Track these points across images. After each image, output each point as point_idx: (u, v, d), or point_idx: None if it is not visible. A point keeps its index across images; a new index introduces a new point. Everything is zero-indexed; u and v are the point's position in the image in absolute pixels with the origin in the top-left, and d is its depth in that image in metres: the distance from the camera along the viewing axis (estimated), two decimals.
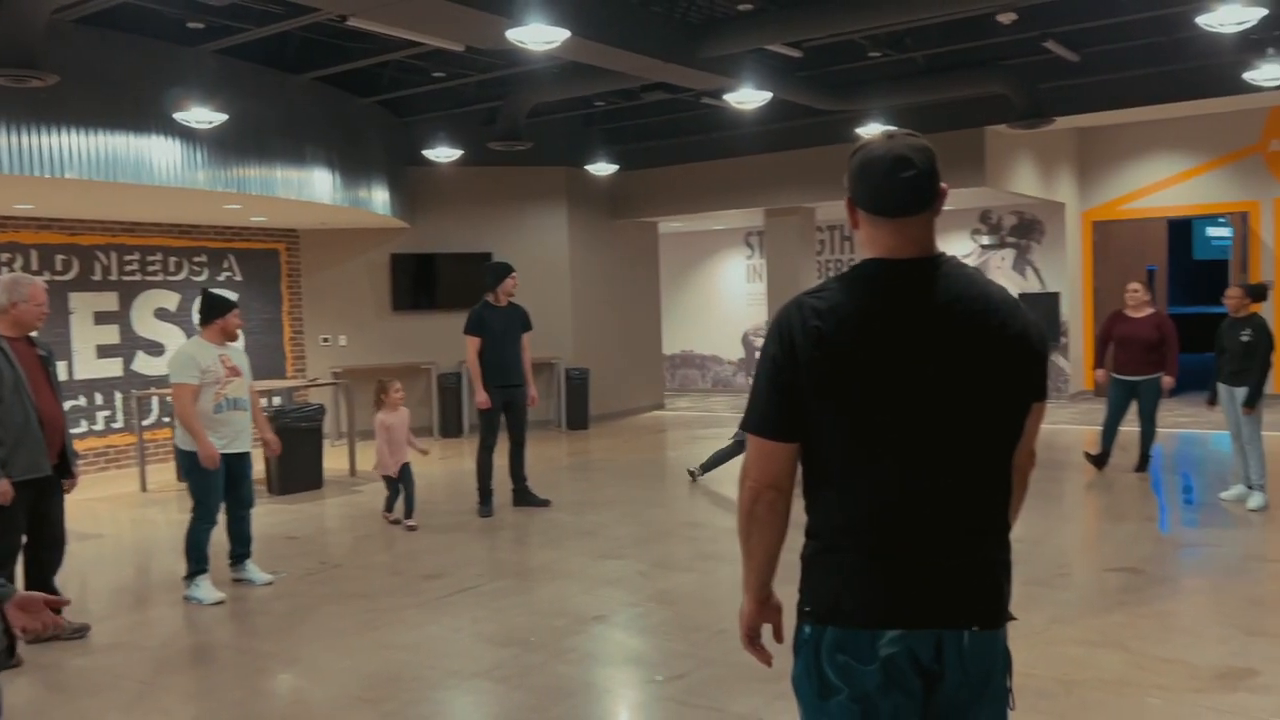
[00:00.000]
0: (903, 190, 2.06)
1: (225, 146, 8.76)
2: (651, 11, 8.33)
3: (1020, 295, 14.28)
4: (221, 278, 11.75)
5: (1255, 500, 7.18)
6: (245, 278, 12.03)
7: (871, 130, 10.56)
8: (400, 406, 7.71)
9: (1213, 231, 25.70)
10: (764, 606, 2.23)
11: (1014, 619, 2.11)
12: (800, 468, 2.13)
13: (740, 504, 2.14)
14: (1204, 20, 6.92)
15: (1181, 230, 22.86)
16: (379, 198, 11.30)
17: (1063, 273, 14.34)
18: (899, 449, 2.00)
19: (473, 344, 7.70)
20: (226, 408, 5.83)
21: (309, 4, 6.86)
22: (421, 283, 12.94)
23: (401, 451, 7.62)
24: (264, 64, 9.28)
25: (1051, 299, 14.09)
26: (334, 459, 10.19)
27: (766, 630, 2.23)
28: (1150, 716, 3.90)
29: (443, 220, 12.92)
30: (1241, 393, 7.15)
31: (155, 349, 11.03)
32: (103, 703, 4.39)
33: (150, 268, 11.10)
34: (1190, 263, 25.23)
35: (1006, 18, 8.60)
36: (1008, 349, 2.06)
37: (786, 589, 2.13)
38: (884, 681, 2.01)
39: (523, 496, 8.16)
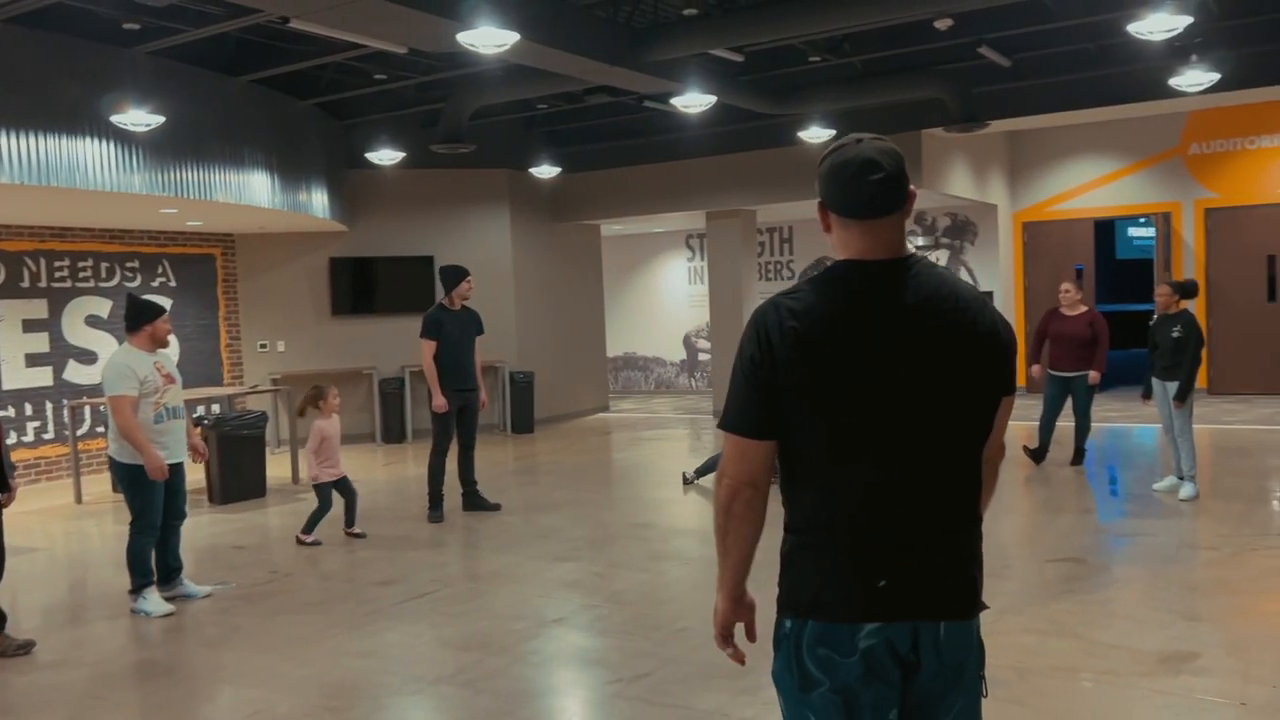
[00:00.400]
0: (872, 192, 2.09)
1: (162, 150, 8.59)
2: (596, 15, 8.37)
3: None
4: (155, 284, 11.50)
5: (1186, 490, 7.44)
6: (180, 284, 11.79)
7: (812, 134, 10.77)
8: (334, 414, 7.47)
9: (1134, 231, 26.51)
10: (738, 605, 2.24)
11: (986, 607, 2.18)
12: (778, 464, 2.18)
13: (717, 501, 2.17)
14: (1134, 28, 7.16)
15: (1105, 230, 23.52)
16: (318, 201, 11.16)
17: (995, 273, 14.68)
18: (874, 446, 2.04)
19: (429, 347, 7.65)
20: (167, 417, 5.70)
21: (256, 5, 6.75)
22: (361, 287, 12.80)
23: (339, 459, 7.40)
24: (201, 66, 9.11)
25: (985, 298, 14.40)
26: (274, 467, 10.03)
27: (739, 629, 2.25)
28: (1101, 700, 4.03)
29: (383, 223, 12.79)
30: (1174, 387, 7.40)
31: (87, 357, 10.75)
32: None
33: (81, 274, 10.81)
34: (1114, 262, 25.98)
35: (943, 24, 8.81)
36: (978, 346, 2.12)
37: (755, 580, 2.17)
38: (864, 673, 2.04)
39: (473, 500, 8.12)
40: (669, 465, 10.58)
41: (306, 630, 5.31)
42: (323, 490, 7.28)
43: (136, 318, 5.70)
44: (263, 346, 12.55)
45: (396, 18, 6.54)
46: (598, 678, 4.48)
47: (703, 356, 16.85)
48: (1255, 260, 13.35)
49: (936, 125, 11.31)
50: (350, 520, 7.41)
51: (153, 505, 5.66)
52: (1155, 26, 7.03)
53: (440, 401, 7.63)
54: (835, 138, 2.21)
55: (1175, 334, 7.39)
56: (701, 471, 8.96)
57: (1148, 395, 7.77)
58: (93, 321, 10.89)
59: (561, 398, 14.08)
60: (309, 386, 7.57)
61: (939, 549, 2.11)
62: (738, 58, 9.46)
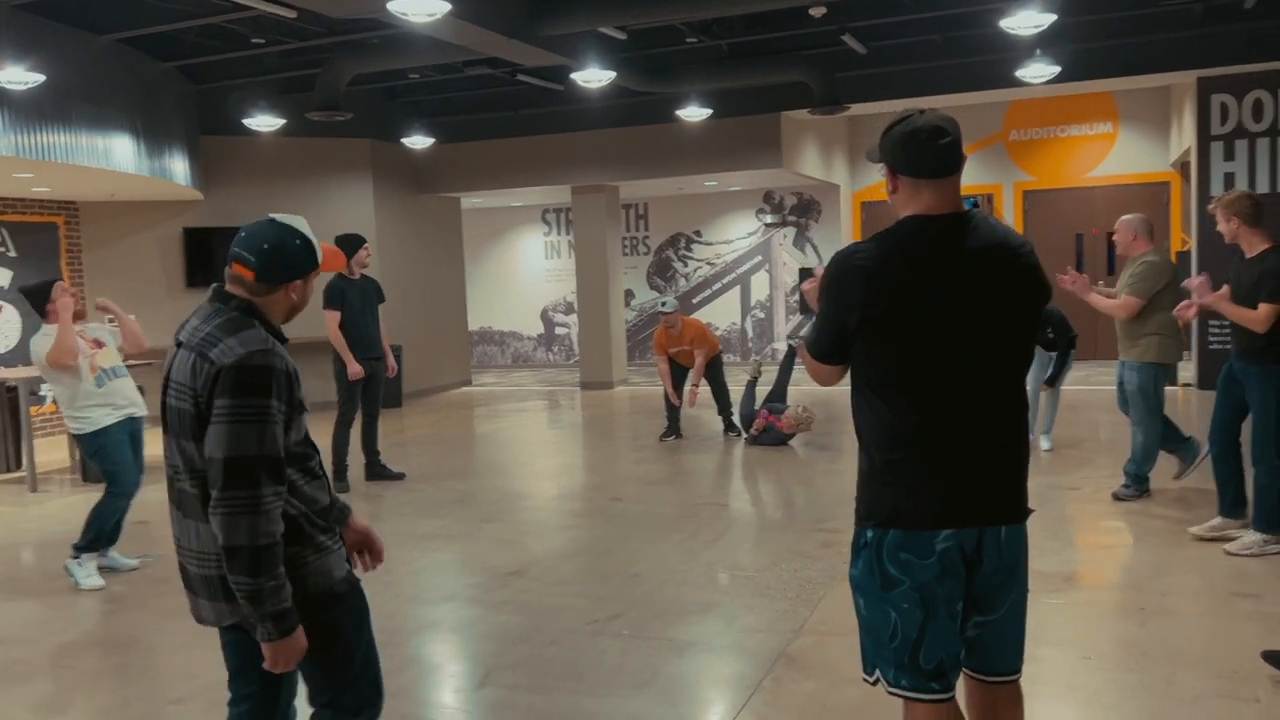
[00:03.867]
0: (941, 154, 2.44)
1: (28, 110, 8.10)
2: None
3: (801, 270, 15.42)
4: None
5: (1043, 443, 8.30)
6: (20, 253, 11.07)
7: (691, 113, 11.18)
8: None
9: None
10: None
11: (1033, 511, 2.59)
12: (854, 387, 2.52)
13: (808, 369, 2.69)
14: (1005, 23, 7.89)
15: None
16: (179, 168, 10.72)
17: (838, 249, 15.56)
18: (944, 375, 2.39)
19: (333, 317, 7.59)
20: (108, 378, 5.66)
21: None
22: (219, 258, 12.29)
23: None
24: (64, 23, 8.62)
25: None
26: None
27: None
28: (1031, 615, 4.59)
29: (239, 192, 12.35)
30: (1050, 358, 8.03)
31: None
32: (54, 691, 4.17)
33: None
34: None
35: (818, 11, 9.33)
36: (1024, 283, 2.48)
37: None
38: (941, 572, 2.39)
39: (376, 470, 8.12)
40: (548, 435, 10.85)
41: None
42: None
43: (36, 303, 5.61)
44: (111, 321, 11.90)
45: None
46: (575, 619, 4.72)
47: (560, 330, 17.09)
48: (1067, 239, 14.74)
49: (795, 108, 11.96)
50: None
51: (126, 466, 5.60)
52: (1023, 22, 7.78)
53: (356, 369, 7.59)
54: (900, 115, 2.54)
55: (1048, 334, 7.91)
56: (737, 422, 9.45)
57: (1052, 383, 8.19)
58: None
59: (425, 372, 14.02)
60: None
61: (998, 463, 2.48)
62: (621, 35, 9.74)
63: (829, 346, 2.49)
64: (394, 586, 5.34)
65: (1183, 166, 13.52)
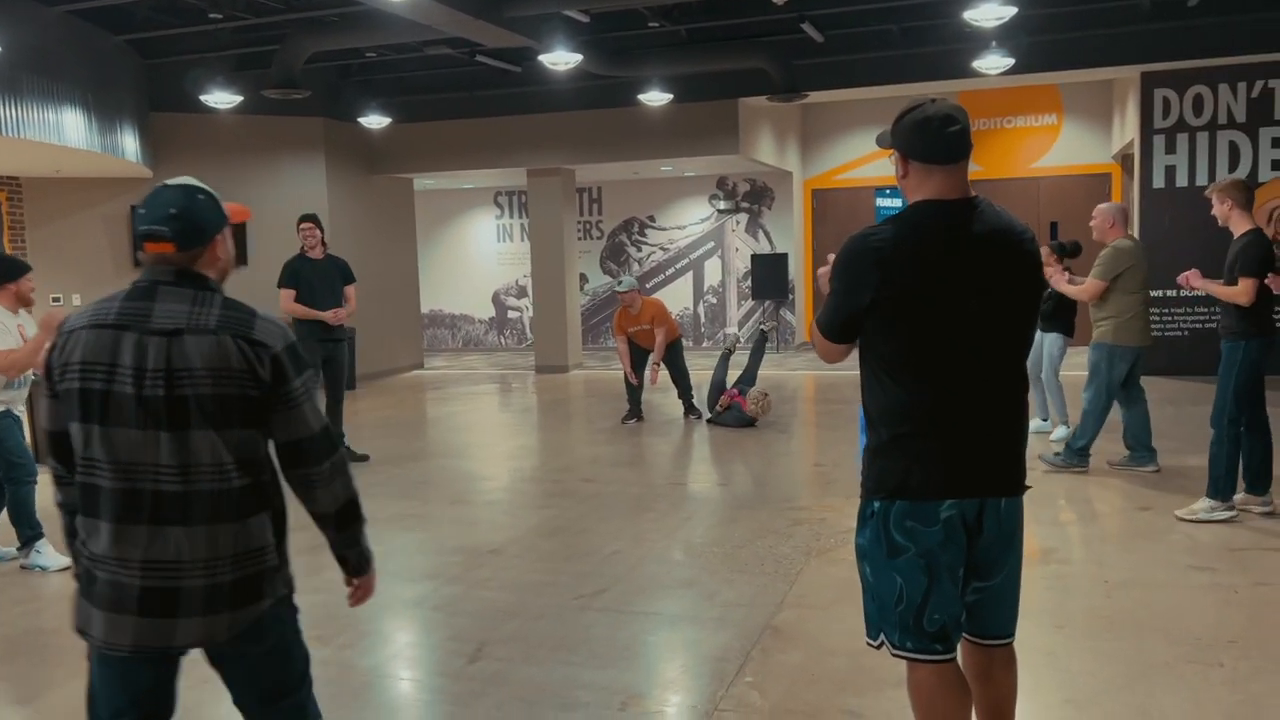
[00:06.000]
0: (952, 141, 2.54)
1: None
2: None
3: (753, 256, 15.57)
4: None
5: (1048, 427, 8.40)
6: None
7: (651, 97, 11.21)
8: None
9: (882, 202, 28.93)
10: None
11: (1029, 487, 2.70)
12: (863, 366, 2.61)
13: (816, 346, 2.75)
14: (969, 15, 8.06)
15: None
16: (130, 144, 10.50)
17: (789, 235, 15.76)
18: (953, 355, 2.49)
19: (286, 296, 7.59)
20: (20, 385, 5.45)
21: None
22: None
23: None
24: None
25: (781, 259, 15.44)
26: None
27: None
28: None
29: (189, 170, 11.93)
30: (1050, 339, 7.80)
31: None
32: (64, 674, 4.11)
33: None
34: None
35: None
36: (1026, 265, 2.60)
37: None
38: (944, 539, 2.51)
39: None
40: (507, 418, 10.86)
41: None
42: None
43: (1, 275, 5.43)
44: (56, 301, 11.63)
45: None
46: (560, 595, 4.77)
47: (512, 314, 17.05)
48: None
49: (753, 94, 12.06)
50: None
51: (20, 449, 5.42)
52: (986, 14, 7.96)
53: (326, 315, 7.60)
54: (912, 102, 2.62)
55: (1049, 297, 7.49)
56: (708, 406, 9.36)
57: None
58: None
59: (378, 355, 13.91)
60: None
61: (1002, 438, 2.59)
62: (584, 18, 9.74)
63: (839, 326, 2.57)
64: (378, 564, 5.34)
65: (1124, 159, 13.91)
